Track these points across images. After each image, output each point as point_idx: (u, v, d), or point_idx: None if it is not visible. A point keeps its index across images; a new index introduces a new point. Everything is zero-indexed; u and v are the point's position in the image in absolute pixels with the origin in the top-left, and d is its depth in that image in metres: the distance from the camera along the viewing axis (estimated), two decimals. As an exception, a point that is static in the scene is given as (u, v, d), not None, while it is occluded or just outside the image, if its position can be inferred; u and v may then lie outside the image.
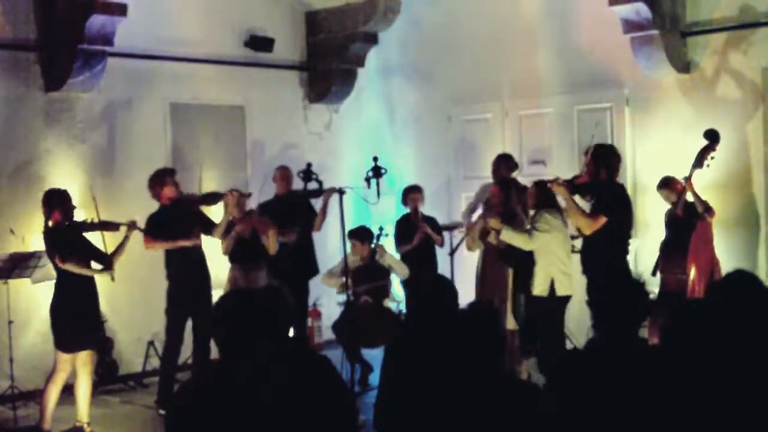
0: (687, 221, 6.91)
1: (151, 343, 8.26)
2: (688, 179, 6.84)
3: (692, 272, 6.80)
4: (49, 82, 7.82)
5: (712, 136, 6.80)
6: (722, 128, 7.01)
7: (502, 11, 9.10)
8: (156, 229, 7.09)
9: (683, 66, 7.81)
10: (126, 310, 8.21)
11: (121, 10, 7.48)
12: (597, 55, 8.38)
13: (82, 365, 6.53)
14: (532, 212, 6.96)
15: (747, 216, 7.49)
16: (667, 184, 7.25)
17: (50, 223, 6.45)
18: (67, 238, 6.44)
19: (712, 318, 3.40)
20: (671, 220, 7.16)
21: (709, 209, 6.90)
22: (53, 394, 6.50)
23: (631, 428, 3.19)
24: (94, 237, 6.80)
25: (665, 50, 7.60)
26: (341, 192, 7.30)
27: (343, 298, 7.89)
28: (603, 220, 6.50)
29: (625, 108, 8.29)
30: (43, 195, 6.54)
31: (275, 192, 8.36)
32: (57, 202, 6.47)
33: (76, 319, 6.41)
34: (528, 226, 6.77)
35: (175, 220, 7.11)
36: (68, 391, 7.68)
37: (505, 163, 8.03)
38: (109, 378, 8.05)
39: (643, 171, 8.18)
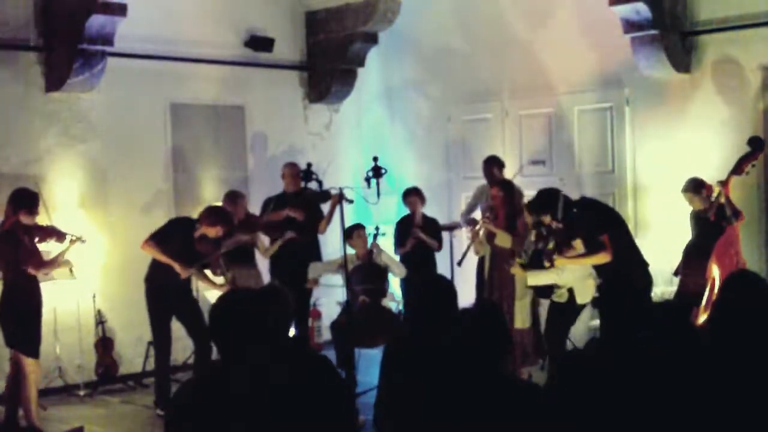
0: (717, 225, 6.71)
1: (151, 343, 8.25)
2: (724, 184, 6.65)
3: (713, 276, 6.67)
4: (49, 82, 7.82)
5: (757, 144, 6.58)
6: (722, 128, 7.01)
7: (502, 11, 9.10)
8: (164, 236, 7.01)
9: (683, 66, 7.80)
10: (126, 310, 8.20)
11: (121, 10, 7.48)
12: (597, 55, 8.38)
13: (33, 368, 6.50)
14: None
15: (750, 216, 7.45)
16: (695, 189, 6.99)
17: (9, 224, 6.33)
18: (23, 242, 6.34)
19: (713, 318, 3.40)
20: (699, 222, 7.01)
21: (737, 213, 6.67)
22: (33, 395, 6.48)
23: (632, 428, 3.19)
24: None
25: (665, 50, 7.59)
26: (349, 201, 7.33)
27: (343, 297, 7.89)
28: (605, 239, 6.41)
29: (625, 108, 8.29)
30: (12, 193, 6.47)
31: (283, 189, 8.37)
32: (25, 204, 6.38)
33: (37, 324, 6.41)
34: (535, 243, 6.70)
35: (188, 242, 7.03)
36: (67, 391, 7.72)
37: (496, 164, 8.21)
38: (109, 378, 8.05)
39: (643, 171, 8.18)
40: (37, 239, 6.55)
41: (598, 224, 6.52)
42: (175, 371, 7.91)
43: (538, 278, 6.66)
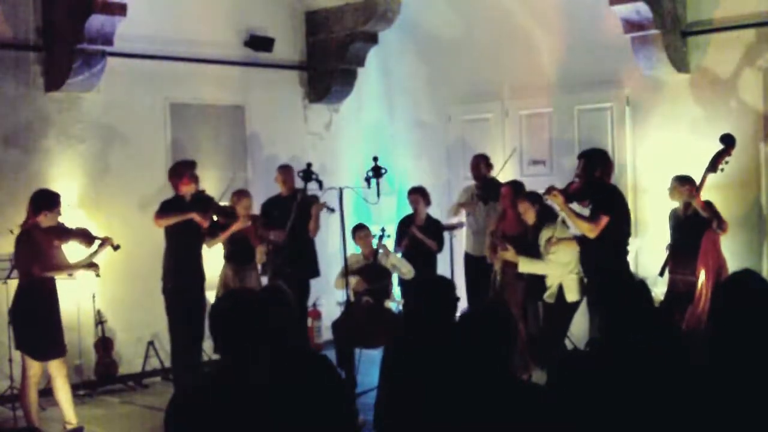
0: (700, 221, 6.73)
1: (151, 343, 8.27)
2: (698, 189, 6.63)
3: (702, 274, 6.68)
4: (49, 82, 7.82)
5: (728, 141, 6.64)
6: (722, 128, 6.99)
7: (502, 11, 9.10)
8: (167, 210, 7.10)
9: (683, 66, 7.80)
10: (126, 310, 8.21)
11: (121, 10, 7.49)
12: (597, 55, 8.37)
13: (57, 370, 6.44)
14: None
15: (748, 216, 7.47)
16: (679, 181, 6.93)
17: (28, 225, 6.29)
18: (41, 244, 6.29)
19: (714, 318, 3.39)
20: (678, 221, 7.03)
21: (721, 224, 6.62)
22: (33, 396, 6.45)
23: (632, 428, 3.19)
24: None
25: (665, 50, 7.59)
26: (331, 210, 7.38)
27: (343, 297, 7.88)
28: (605, 220, 6.55)
29: (625, 108, 8.29)
30: (33, 194, 6.44)
31: (279, 191, 8.39)
32: (46, 205, 6.33)
33: (47, 327, 6.34)
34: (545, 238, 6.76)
35: (188, 205, 7.15)
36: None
37: (484, 162, 8.41)
38: (108, 378, 8.05)
39: (643, 171, 8.18)
40: (57, 241, 6.42)
41: (612, 205, 6.59)
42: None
43: (530, 266, 6.83)
